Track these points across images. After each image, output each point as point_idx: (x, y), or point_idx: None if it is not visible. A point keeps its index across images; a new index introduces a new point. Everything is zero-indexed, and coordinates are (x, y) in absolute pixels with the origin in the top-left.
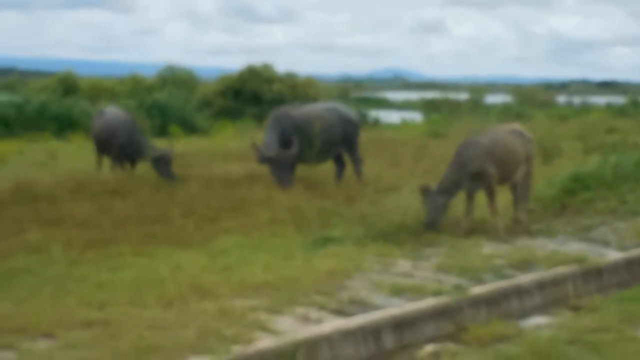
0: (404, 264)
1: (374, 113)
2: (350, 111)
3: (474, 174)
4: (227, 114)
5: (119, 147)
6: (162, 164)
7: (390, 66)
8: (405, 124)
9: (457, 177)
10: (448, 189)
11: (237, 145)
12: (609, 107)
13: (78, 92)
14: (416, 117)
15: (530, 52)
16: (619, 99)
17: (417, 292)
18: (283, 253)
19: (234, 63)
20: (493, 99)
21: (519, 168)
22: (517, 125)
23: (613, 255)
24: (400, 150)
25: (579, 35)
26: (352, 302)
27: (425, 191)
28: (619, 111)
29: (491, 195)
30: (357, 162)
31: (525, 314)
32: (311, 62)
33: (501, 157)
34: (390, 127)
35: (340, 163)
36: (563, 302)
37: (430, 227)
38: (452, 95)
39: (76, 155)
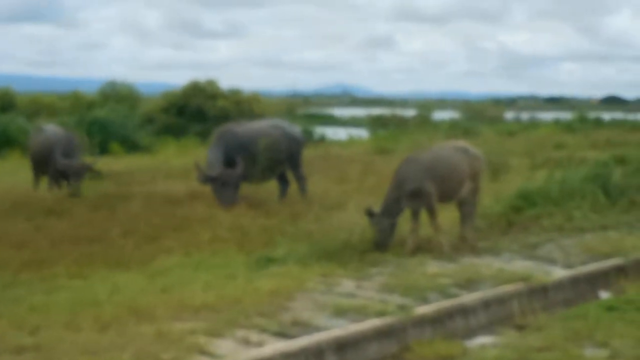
0: (348, 284)
1: (321, 129)
2: (294, 128)
3: (412, 193)
4: (170, 131)
5: (55, 165)
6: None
7: (338, 82)
8: (352, 141)
9: (397, 196)
10: (391, 210)
11: (180, 162)
12: (557, 122)
13: (15, 108)
14: (363, 133)
15: (480, 68)
16: (567, 115)
17: (361, 312)
18: (224, 273)
19: (179, 79)
20: (441, 114)
21: (464, 185)
22: (462, 142)
23: (559, 272)
24: (347, 167)
25: (528, 50)
26: (294, 323)
27: (369, 214)
28: (566, 127)
29: (432, 213)
30: (301, 179)
31: (470, 333)
32: (258, 77)
33: (442, 174)
34: (337, 143)
35: (284, 181)
36: (508, 321)
37: (380, 248)
38: (400, 111)
39: (12, 173)
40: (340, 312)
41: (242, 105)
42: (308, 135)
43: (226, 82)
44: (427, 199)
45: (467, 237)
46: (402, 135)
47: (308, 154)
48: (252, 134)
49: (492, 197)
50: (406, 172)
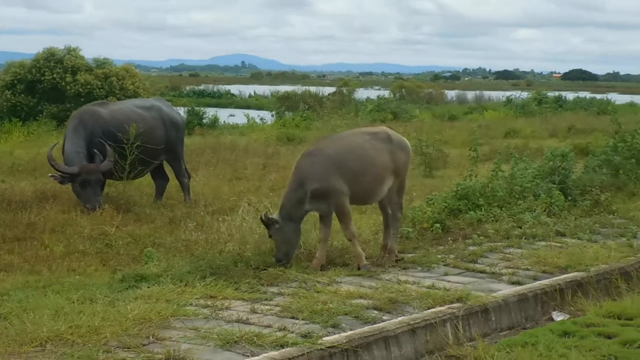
0: (239, 308)
1: (214, 111)
2: (173, 110)
3: (317, 193)
4: (16, 113)
5: None
6: None
7: (236, 52)
8: (252, 126)
9: (298, 198)
10: (292, 214)
11: (29, 154)
12: (510, 104)
13: None
14: (267, 116)
15: (416, 35)
16: (522, 94)
17: (255, 343)
18: (81, 295)
19: (29, 46)
20: (367, 93)
21: (384, 182)
22: (383, 128)
23: (504, 290)
24: (244, 159)
25: (476, 14)
26: (169, 358)
27: (266, 222)
28: (521, 109)
29: (344, 218)
30: (182, 175)
31: None
32: (134, 45)
33: (355, 169)
34: (234, 129)
35: (161, 177)
36: (440, 350)
37: (282, 263)
38: (315, 89)
39: None
40: (229, 344)
41: (111, 81)
42: (197, 118)
43: (91, 50)
44: (336, 201)
45: (392, 247)
46: (316, 120)
47: (195, 142)
48: (121, 118)
49: (424, 197)
50: (309, 168)
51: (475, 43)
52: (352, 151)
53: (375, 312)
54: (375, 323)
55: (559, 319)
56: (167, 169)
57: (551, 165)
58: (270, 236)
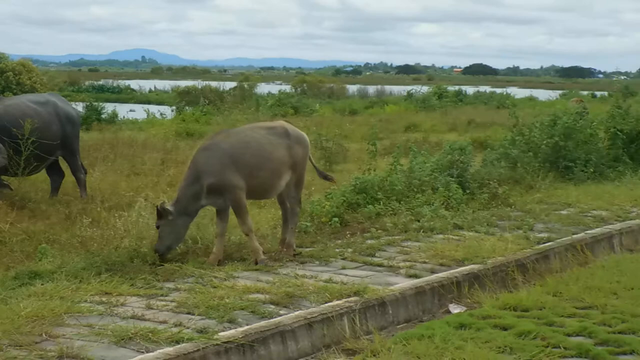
0: (134, 304)
1: (113, 106)
2: (68, 105)
3: (213, 188)
4: None
5: None
6: None
7: (136, 46)
8: (151, 121)
9: (195, 192)
10: (187, 208)
11: None
12: (410, 98)
13: None
14: (168, 111)
15: (317, 30)
16: (423, 88)
17: (150, 339)
18: None
19: None
20: (268, 88)
21: (282, 177)
22: (281, 122)
23: (401, 283)
24: (143, 154)
25: (377, 10)
26: (62, 356)
27: (161, 212)
28: (421, 103)
29: (241, 212)
30: (78, 170)
31: None
32: (31, 40)
33: (252, 164)
34: (133, 124)
35: (56, 173)
36: (337, 344)
37: (163, 255)
38: (216, 84)
39: None
40: (124, 340)
41: (7, 76)
42: (95, 113)
43: None
44: (232, 195)
45: (290, 241)
46: (217, 115)
47: (92, 138)
48: (15, 113)
49: (324, 192)
50: (205, 162)
51: (376, 38)
52: (248, 146)
53: (272, 306)
54: (272, 318)
55: (455, 311)
56: (63, 165)
57: (450, 159)
58: (157, 226)
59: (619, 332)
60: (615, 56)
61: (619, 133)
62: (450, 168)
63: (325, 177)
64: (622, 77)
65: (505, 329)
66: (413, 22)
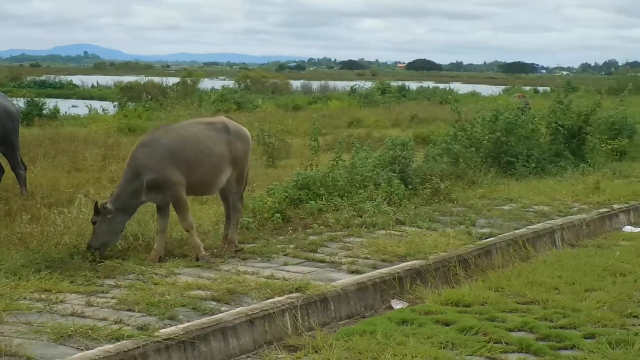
0: (75, 301)
1: (55, 102)
2: (8, 100)
3: (153, 184)
4: None
5: None
6: None
7: (79, 42)
8: (94, 117)
9: (135, 189)
10: (126, 205)
11: None
12: (354, 93)
13: None
14: (111, 107)
15: (261, 26)
16: (367, 83)
17: (90, 337)
18: None
19: None
20: (213, 83)
21: (223, 173)
22: (222, 118)
23: (343, 280)
24: (84, 150)
25: (321, 5)
26: (0, 354)
27: (101, 211)
28: (365, 98)
29: (181, 209)
30: (18, 167)
31: (230, 357)
32: None
33: (191, 160)
34: (76, 120)
35: None
36: (279, 341)
37: (99, 252)
38: (159, 79)
39: None
40: (63, 338)
41: None
42: (37, 109)
43: None
44: (172, 192)
45: (232, 238)
46: (159, 110)
47: (34, 134)
48: None
49: (266, 188)
50: (144, 158)
51: (320, 33)
52: (187, 142)
53: (214, 303)
54: (213, 314)
55: (398, 307)
56: (3, 161)
57: (392, 155)
58: (94, 222)
59: (561, 328)
60: (558, 52)
61: (560, 128)
62: (393, 164)
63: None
64: (565, 73)
65: (447, 325)
66: (357, 18)
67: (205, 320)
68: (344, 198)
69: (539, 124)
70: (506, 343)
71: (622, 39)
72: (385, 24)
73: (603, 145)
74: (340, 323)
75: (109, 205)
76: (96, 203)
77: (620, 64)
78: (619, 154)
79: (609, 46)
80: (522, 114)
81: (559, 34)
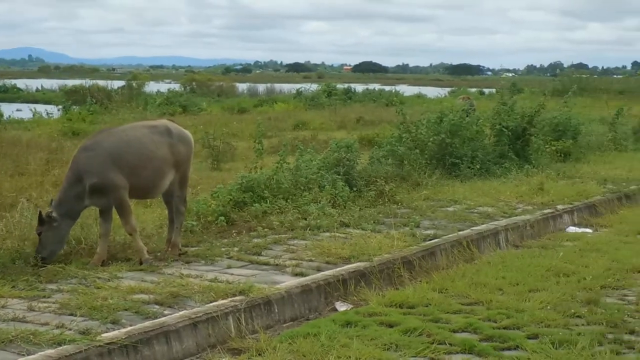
0: (16, 306)
1: None
2: None
3: (95, 188)
4: None
5: None
6: None
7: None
8: (38, 120)
9: (77, 193)
10: (69, 210)
11: None
12: (300, 96)
13: None
14: (55, 110)
15: (207, 28)
16: (313, 86)
17: (31, 341)
18: None
19: None
20: (158, 86)
21: (165, 176)
22: (164, 121)
23: (287, 282)
24: (27, 154)
25: (266, 7)
26: None
27: (45, 220)
28: (311, 101)
29: (124, 212)
30: None
31: None
32: None
33: (133, 163)
34: (19, 123)
35: None
36: (222, 344)
37: (47, 261)
38: (104, 83)
39: None
40: (4, 343)
41: None
42: None
43: None
44: (115, 195)
45: (175, 241)
46: (104, 113)
47: None
48: None
49: (211, 191)
50: (86, 162)
51: (266, 36)
52: (129, 145)
53: (157, 307)
54: (156, 318)
55: (342, 309)
56: None
57: (336, 157)
58: (39, 232)
59: (504, 328)
60: (504, 54)
61: (504, 130)
62: (337, 166)
63: None
64: (510, 75)
65: (391, 326)
66: (303, 20)
67: (148, 323)
68: (288, 200)
69: (483, 126)
70: (450, 344)
71: (567, 40)
72: (331, 26)
73: (547, 146)
74: (284, 325)
75: (53, 214)
76: (40, 212)
77: (565, 65)
78: (562, 155)
79: (554, 48)
80: (467, 116)
81: (504, 36)
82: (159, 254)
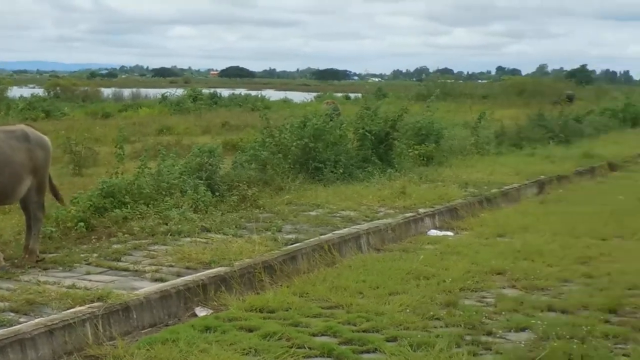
0: None
1: None
2: None
3: None
4: None
5: None
6: None
7: None
8: None
9: None
10: None
11: None
12: (165, 101)
13: None
14: None
15: (72, 33)
16: (180, 91)
17: None
18: None
19: None
20: (22, 91)
21: (22, 182)
22: (21, 126)
23: (146, 288)
24: None
25: (132, 12)
26: None
27: None
28: (176, 105)
29: None
30: None
31: None
32: None
33: None
34: None
35: None
36: (79, 351)
37: None
38: None
39: None
40: None
41: None
42: None
43: None
44: None
45: (32, 247)
46: None
47: None
48: None
49: (70, 196)
50: None
51: (133, 41)
52: None
53: (12, 314)
54: (11, 326)
55: (201, 314)
56: None
57: (198, 161)
58: None
59: (363, 331)
60: (370, 58)
61: (367, 134)
62: (199, 170)
63: (56, 196)
64: (377, 79)
65: (250, 331)
66: (170, 25)
67: (2, 332)
68: (150, 206)
69: (347, 130)
70: (309, 348)
71: (433, 46)
72: (198, 31)
73: (410, 150)
74: (143, 332)
75: None
76: None
77: (431, 70)
78: (425, 159)
79: (420, 53)
80: (330, 120)
81: (371, 41)
82: (16, 261)
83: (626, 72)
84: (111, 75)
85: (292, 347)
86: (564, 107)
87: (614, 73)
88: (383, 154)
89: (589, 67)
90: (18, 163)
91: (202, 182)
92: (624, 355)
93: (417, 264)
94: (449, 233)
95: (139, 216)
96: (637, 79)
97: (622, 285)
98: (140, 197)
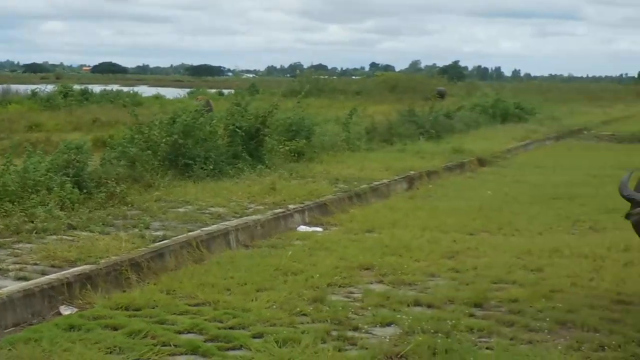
0: None
1: None
2: None
3: None
4: None
5: None
6: None
7: None
8: None
9: None
10: None
11: None
12: (35, 96)
13: None
14: None
15: None
16: (49, 86)
17: None
18: None
19: None
20: None
21: None
22: None
23: (9, 287)
24: None
25: (3, 7)
26: None
27: None
28: (46, 102)
29: None
30: None
31: None
32: None
33: None
34: None
35: None
36: None
37: None
38: None
39: None
40: None
41: None
42: None
43: None
44: None
45: None
46: None
47: None
48: None
49: None
50: None
51: (3, 36)
52: None
53: None
54: None
55: (66, 313)
56: None
57: (66, 158)
58: None
59: (230, 328)
60: (244, 54)
61: (237, 130)
62: (67, 167)
63: None
64: (251, 75)
65: (116, 329)
66: (40, 20)
67: None
68: (15, 203)
69: (217, 126)
70: (175, 345)
71: (307, 42)
72: (70, 26)
73: (281, 146)
74: (6, 331)
75: None
76: None
77: (305, 66)
78: (296, 155)
79: (294, 49)
80: (201, 116)
81: (244, 37)
82: None
83: (498, 68)
84: None
85: (157, 345)
86: (435, 102)
87: (486, 69)
88: (253, 150)
89: (462, 64)
90: None
91: (69, 179)
92: (487, 348)
93: (286, 260)
94: (318, 229)
95: (4, 214)
96: (508, 75)
97: (487, 280)
98: (6, 194)
